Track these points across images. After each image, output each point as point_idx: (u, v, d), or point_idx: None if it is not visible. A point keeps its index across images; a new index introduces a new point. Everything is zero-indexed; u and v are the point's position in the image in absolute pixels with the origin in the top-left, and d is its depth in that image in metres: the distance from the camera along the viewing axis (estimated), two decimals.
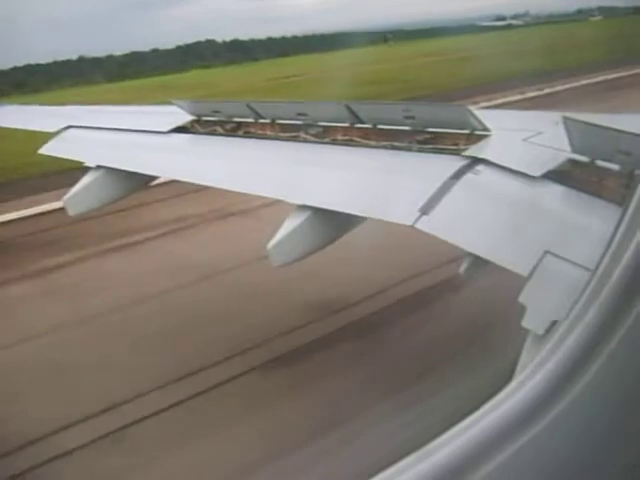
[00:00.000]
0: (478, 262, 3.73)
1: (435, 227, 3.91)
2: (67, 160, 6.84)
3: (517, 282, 3.27)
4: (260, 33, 40.25)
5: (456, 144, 4.64)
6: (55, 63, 34.06)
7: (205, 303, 8.40)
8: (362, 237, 5.46)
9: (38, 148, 7.09)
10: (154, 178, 6.85)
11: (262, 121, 6.04)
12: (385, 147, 5.04)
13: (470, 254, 3.76)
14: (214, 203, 11.88)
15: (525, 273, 3.30)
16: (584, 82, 22.82)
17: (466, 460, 1.31)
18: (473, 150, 4.44)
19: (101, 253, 10.68)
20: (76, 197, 6.42)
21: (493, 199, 4.11)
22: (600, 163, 3.75)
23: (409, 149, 4.87)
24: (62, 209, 6.48)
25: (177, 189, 10.87)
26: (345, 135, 5.37)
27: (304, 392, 6.25)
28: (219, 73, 33.11)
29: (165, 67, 34.02)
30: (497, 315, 6.07)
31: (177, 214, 12.15)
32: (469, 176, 4.17)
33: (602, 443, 1.43)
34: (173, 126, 6.46)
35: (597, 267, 1.80)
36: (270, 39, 41.39)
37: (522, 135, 4.48)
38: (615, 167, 3.60)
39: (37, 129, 7.42)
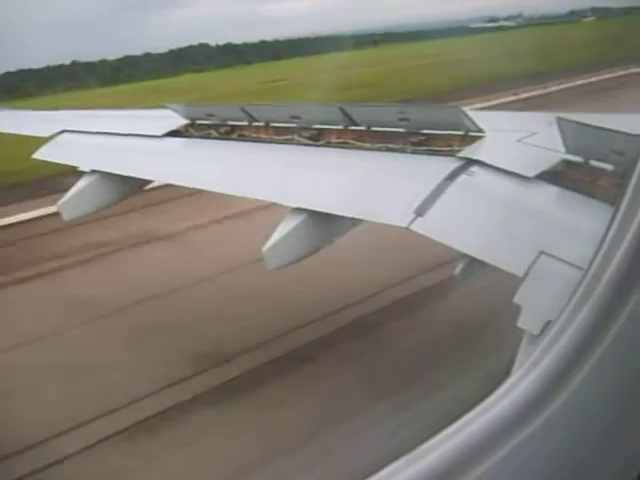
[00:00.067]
0: (473, 263, 3.74)
1: (430, 229, 3.92)
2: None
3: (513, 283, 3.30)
4: (253, 37, 40.20)
5: (450, 145, 4.66)
6: (48, 68, 33.96)
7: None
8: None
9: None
10: (148, 182, 6.84)
11: (256, 124, 6.04)
12: (379, 149, 5.04)
13: (465, 255, 3.78)
14: (139, 226, 11.12)
15: (520, 273, 3.31)
16: (579, 82, 22.93)
17: (458, 462, 1.30)
18: (467, 151, 4.45)
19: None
20: (70, 202, 6.41)
21: (488, 200, 4.13)
22: (594, 163, 3.77)
23: (403, 151, 4.88)
24: None
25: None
26: (339, 137, 5.38)
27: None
28: (211, 77, 32.98)
29: (158, 71, 33.97)
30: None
31: (95, 240, 10.72)
32: (463, 177, 4.18)
33: (596, 442, 1.43)
34: (167, 130, 6.46)
35: (589, 267, 1.81)
36: (263, 42, 41.37)
37: (516, 136, 4.50)
38: (609, 167, 3.62)
39: (31, 134, 7.40)
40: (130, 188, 6.65)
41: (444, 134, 4.79)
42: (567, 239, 3.37)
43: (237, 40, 39.76)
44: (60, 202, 6.42)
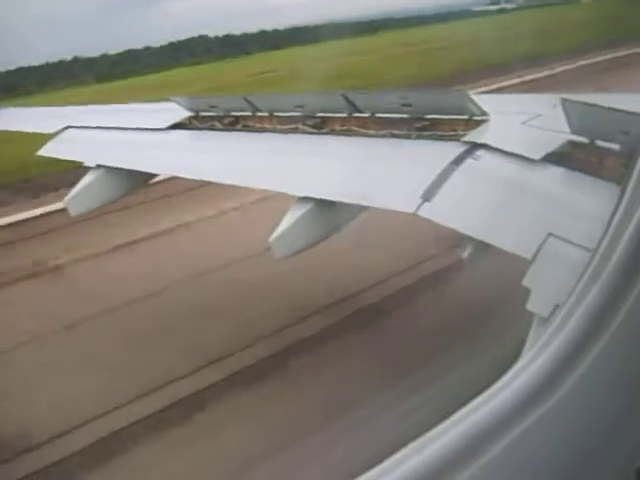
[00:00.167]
0: (481, 247, 3.75)
1: (437, 214, 3.93)
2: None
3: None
4: (253, 27, 39.84)
5: (455, 130, 4.65)
6: (48, 65, 33.81)
7: None
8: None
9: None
10: (154, 176, 6.86)
11: (260, 114, 6.04)
12: (384, 135, 5.04)
13: (473, 239, 3.78)
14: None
15: (528, 256, 3.32)
16: (582, 63, 22.74)
17: (468, 446, 1.30)
18: (472, 135, 4.44)
19: None
20: (77, 197, 6.43)
21: (494, 183, 4.13)
22: (600, 143, 3.76)
23: (408, 136, 4.87)
24: None
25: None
26: (343, 125, 5.38)
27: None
28: (203, 70, 32.34)
29: (157, 65, 33.71)
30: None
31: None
32: (469, 161, 4.18)
33: (607, 423, 1.44)
34: (171, 123, 6.47)
35: (597, 248, 1.81)
36: (263, 32, 41.00)
37: (521, 118, 4.49)
38: (615, 147, 3.61)
39: (35, 131, 7.42)
40: (135, 182, 6.67)
41: (448, 119, 4.78)
42: (575, 220, 3.37)
43: (237, 31, 39.44)
44: (67, 198, 6.45)
